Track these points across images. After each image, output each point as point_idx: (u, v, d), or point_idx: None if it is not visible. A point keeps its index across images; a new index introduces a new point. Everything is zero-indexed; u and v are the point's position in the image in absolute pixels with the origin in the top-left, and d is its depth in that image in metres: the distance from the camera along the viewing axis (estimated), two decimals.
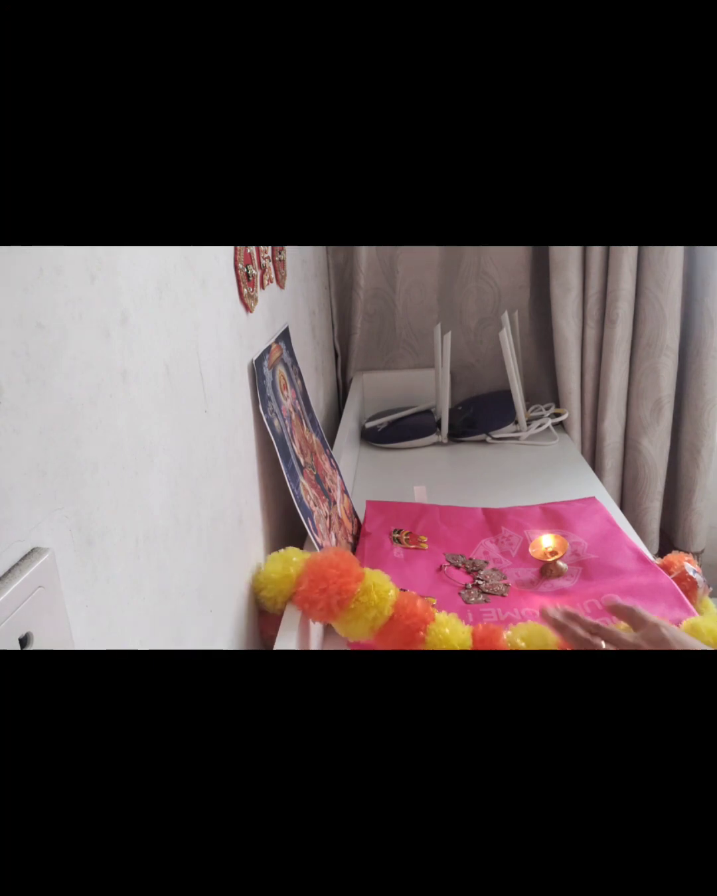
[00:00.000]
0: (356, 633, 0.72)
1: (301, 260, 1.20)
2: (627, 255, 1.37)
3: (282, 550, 0.77)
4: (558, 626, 0.68)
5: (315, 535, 0.82)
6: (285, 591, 0.72)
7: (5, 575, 0.31)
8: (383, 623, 0.71)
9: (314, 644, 0.78)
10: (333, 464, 1.02)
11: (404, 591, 0.85)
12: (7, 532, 0.32)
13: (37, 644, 0.32)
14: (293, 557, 0.75)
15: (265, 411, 0.79)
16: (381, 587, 0.72)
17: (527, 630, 0.72)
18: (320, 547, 0.82)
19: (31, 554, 0.33)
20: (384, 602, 0.71)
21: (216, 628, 0.62)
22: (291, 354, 0.96)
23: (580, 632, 0.66)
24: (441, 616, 0.73)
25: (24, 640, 0.32)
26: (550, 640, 0.71)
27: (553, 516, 1.07)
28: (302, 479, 0.85)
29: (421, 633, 0.71)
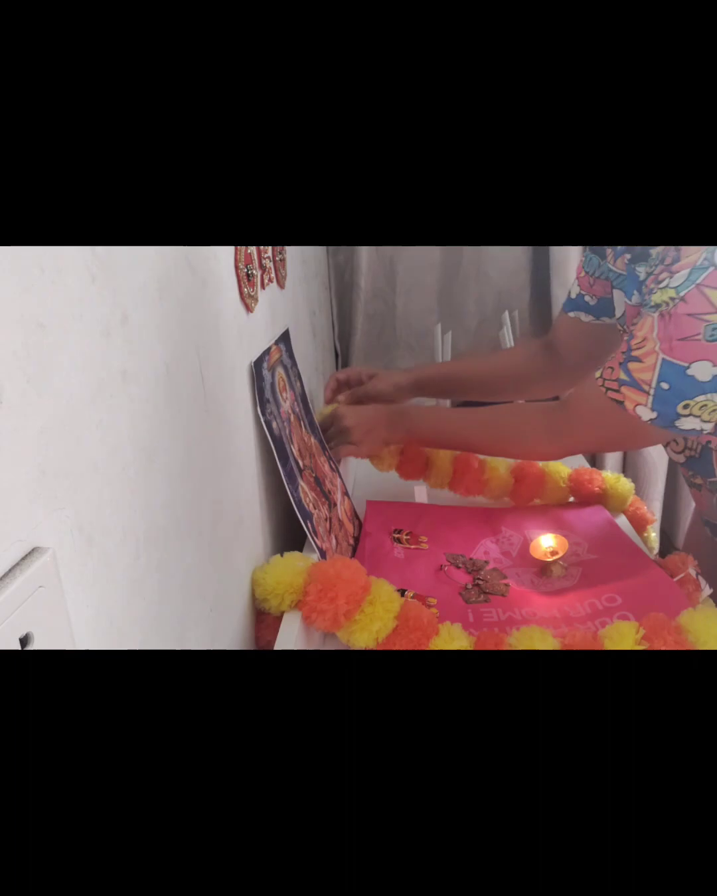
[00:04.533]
0: (360, 643, 0.72)
1: (301, 260, 1.20)
2: None
3: (284, 555, 0.76)
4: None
5: (315, 537, 0.82)
6: (289, 599, 0.72)
7: (5, 575, 0.31)
8: (386, 635, 0.71)
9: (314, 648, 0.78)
10: (333, 466, 1.02)
11: (405, 592, 0.86)
12: (7, 532, 0.32)
13: (37, 644, 0.32)
14: (298, 564, 0.74)
15: (264, 414, 0.79)
16: (387, 598, 0.72)
17: (529, 638, 0.71)
18: (320, 550, 0.82)
19: (31, 554, 0.33)
20: (389, 614, 0.71)
21: (216, 628, 0.62)
22: (291, 356, 0.96)
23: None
24: (445, 630, 0.72)
25: (24, 640, 0.32)
26: (551, 645, 0.71)
27: (554, 516, 1.07)
28: (301, 482, 0.85)
29: (424, 647, 0.71)
